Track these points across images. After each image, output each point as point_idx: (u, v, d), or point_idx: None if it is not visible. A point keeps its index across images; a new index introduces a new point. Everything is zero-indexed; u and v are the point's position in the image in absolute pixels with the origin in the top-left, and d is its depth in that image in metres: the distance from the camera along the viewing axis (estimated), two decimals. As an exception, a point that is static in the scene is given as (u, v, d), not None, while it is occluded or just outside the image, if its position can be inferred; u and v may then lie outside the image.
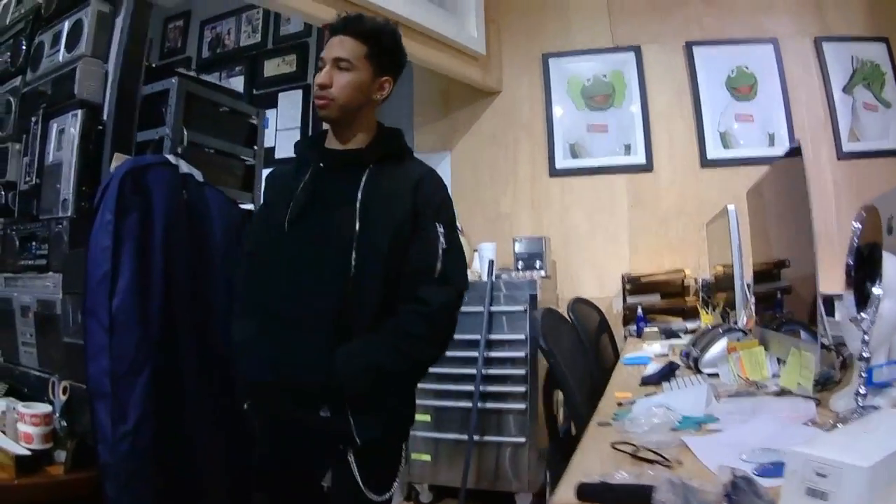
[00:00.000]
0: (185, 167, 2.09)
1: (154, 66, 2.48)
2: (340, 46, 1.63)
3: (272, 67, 4.75)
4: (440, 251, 1.61)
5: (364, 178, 1.63)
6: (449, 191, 1.76)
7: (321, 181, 1.66)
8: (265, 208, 1.78)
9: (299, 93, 4.54)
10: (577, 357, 2.20)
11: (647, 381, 1.99)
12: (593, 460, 1.20)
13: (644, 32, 3.72)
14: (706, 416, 1.39)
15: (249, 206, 2.50)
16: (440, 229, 1.63)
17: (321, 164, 1.67)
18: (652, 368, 2.13)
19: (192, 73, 2.54)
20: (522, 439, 3.16)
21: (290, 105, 4.54)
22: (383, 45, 1.67)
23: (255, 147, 2.66)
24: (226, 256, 2.10)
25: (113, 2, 2.26)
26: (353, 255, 1.56)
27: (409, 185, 1.64)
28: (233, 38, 5.11)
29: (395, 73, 1.71)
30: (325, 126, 1.72)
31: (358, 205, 1.59)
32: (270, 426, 1.67)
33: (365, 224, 1.58)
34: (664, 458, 1.11)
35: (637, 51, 3.72)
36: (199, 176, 2.14)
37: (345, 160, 1.67)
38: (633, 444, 1.21)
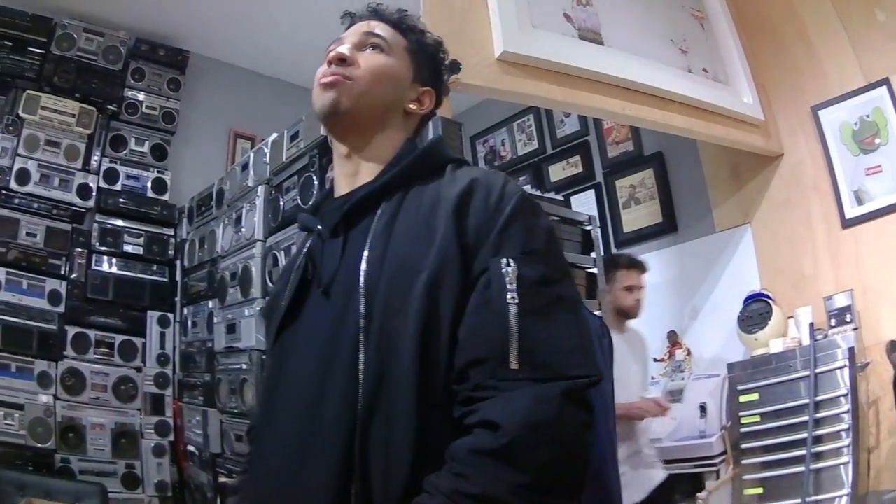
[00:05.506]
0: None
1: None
2: (372, 27, 1.16)
3: (558, 171, 4.87)
4: (514, 314, 0.88)
5: (374, 225, 1.01)
6: (535, 206, 1.04)
7: (319, 255, 1.08)
8: (265, 332, 1.23)
9: (591, 193, 4.63)
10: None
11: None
12: None
13: (889, 63, 3.70)
14: None
15: (598, 313, 2.63)
16: (510, 269, 0.91)
17: (319, 228, 1.11)
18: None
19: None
20: (847, 491, 3.17)
21: (583, 206, 4.45)
22: (427, 48, 1.21)
23: (593, 254, 2.68)
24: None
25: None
26: (361, 363, 0.92)
27: (448, 205, 0.97)
28: (509, 149, 5.26)
29: (437, 89, 1.21)
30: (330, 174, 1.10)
31: (362, 271, 0.96)
32: None
33: (374, 300, 0.94)
34: None
35: (887, 83, 3.70)
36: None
37: (351, 206, 1.06)
38: None
